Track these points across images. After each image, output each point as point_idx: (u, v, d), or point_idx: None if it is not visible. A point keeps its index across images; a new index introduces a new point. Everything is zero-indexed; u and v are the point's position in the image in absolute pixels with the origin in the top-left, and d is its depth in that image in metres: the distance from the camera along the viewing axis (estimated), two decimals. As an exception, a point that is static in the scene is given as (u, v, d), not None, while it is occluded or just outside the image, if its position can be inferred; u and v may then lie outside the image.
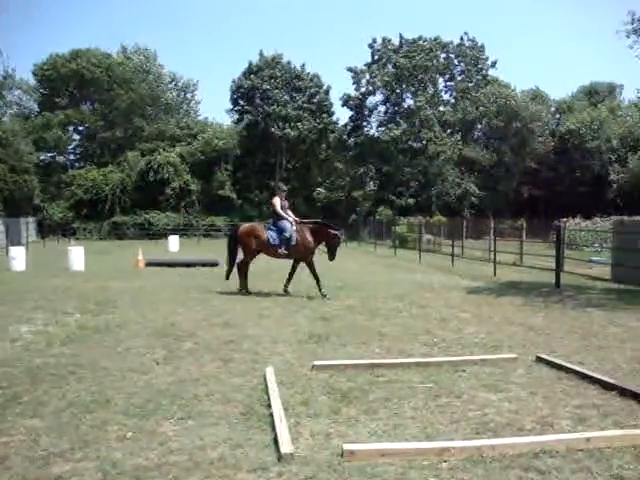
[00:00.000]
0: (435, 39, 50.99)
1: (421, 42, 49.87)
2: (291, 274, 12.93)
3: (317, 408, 5.09)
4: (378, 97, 51.14)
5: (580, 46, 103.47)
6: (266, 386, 5.58)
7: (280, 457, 4.02)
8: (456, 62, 52.36)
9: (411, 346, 7.68)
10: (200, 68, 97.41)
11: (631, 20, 15.92)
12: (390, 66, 49.54)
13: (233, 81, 51.80)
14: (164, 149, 48.37)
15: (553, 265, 15.70)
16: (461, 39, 52.04)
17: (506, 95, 48.44)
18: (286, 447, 4.07)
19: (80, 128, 56.13)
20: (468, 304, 11.59)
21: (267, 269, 15.94)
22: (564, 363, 6.56)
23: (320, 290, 12.36)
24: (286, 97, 49.61)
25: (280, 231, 12.62)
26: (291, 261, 13.05)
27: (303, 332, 8.44)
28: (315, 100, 51.83)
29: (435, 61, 50.08)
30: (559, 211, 37.24)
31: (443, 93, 53.69)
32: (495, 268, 17.99)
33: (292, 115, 48.86)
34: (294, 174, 53.30)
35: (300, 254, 12.76)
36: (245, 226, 13.51)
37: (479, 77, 51.61)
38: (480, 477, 3.77)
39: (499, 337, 8.33)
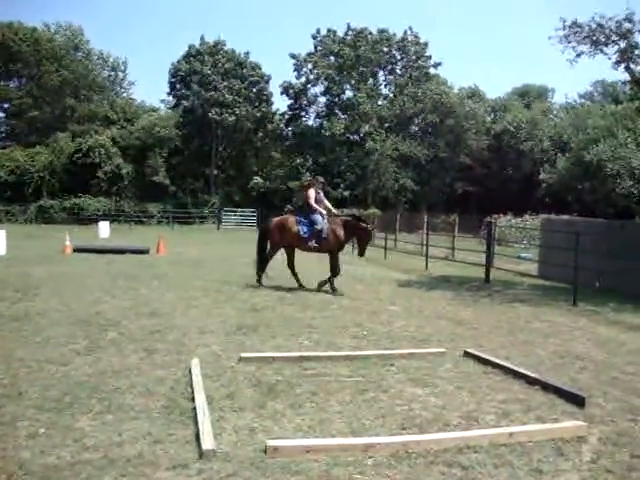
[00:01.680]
0: (381, 31, 51.15)
1: (367, 33, 49.97)
2: (333, 269, 12.31)
3: (242, 402, 4.96)
4: (319, 88, 51.11)
5: (516, 48, 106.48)
6: (190, 379, 5.42)
7: (201, 454, 3.87)
8: (398, 57, 52.60)
9: (341, 339, 7.63)
10: (138, 52, 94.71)
11: (562, 27, 16.32)
12: (333, 57, 49.44)
13: (172, 64, 50.63)
14: (96, 131, 46.74)
15: (483, 260, 16.02)
16: (405, 33, 52.34)
17: (442, 92, 49.19)
18: (208, 443, 3.93)
19: (6, 105, 53.49)
20: (399, 297, 11.68)
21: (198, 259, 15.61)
22: (491, 358, 6.65)
23: (332, 285, 12.00)
24: (225, 83, 48.73)
25: (311, 223, 12.22)
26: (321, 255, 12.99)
27: (231, 323, 8.27)
28: (255, 89, 51.20)
29: (379, 54, 50.29)
30: (491, 208, 38.10)
31: (383, 87, 54.00)
32: (427, 262, 18.23)
33: (230, 101, 48.03)
34: (230, 162, 52.57)
35: (330, 247, 12.36)
36: (276, 219, 12.96)
37: (419, 73, 52.07)
38: (404, 473, 3.73)
39: (428, 331, 8.39)
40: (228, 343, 7.09)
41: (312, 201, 12.32)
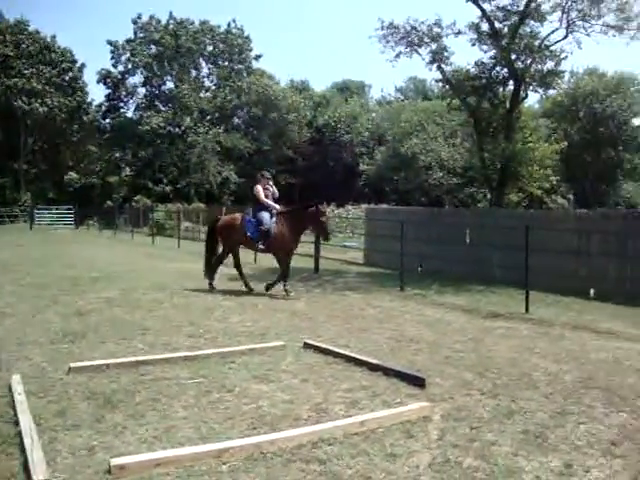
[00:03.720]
0: (204, 22, 50.12)
1: (189, 24, 48.70)
2: (284, 270, 11.53)
3: (76, 418, 4.47)
4: (138, 78, 49.03)
5: (340, 45, 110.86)
6: (12, 398, 4.79)
7: (33, 486, 3.37)
8: (221, 48, 51.92)
9: (176, 339, 7.29)
10: None
11: (381, 27, 17.10)
12: (153, 46, 47.58)
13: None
14: None
15: (311, 251, 16.29)
16: (228, 26, 51.82)
17: (265, 85, 49.54)
18: (39, 473, 3.38)
19: None
20: (231, 292, 11.50)
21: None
22: (331, 347, 6.71)
23: (284, 286, 11.29)
24: (33, 70, 44.62)
25: (258, 223, 11.28)
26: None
27: (56, 330, 7.53)
28: (67, 77, 47.62)
29: (201, 45, 49.31)
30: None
31: (206, 79, 53.12)
32: (256, 254, 18.16)
33: (39, 90, 44.06)
34: (42, 156, 48.59)
35: (278, 248, 11.49)
36: (224, 218, 12.15)
37: (242, 66, 51.91)
38: (262, 476, 3.58)
39: (265, 325, 8.32)
40: (54, 353, 6.41)
41: (262, 196, 11.46)
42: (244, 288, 11.62)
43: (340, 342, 7.21)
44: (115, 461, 3.56)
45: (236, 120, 53.11)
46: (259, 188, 11.55)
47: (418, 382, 5.43)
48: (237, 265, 12.06)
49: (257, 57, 53.16)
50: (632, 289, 11.31)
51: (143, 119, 45.85)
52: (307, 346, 6.92)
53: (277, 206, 11.57)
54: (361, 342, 7.31)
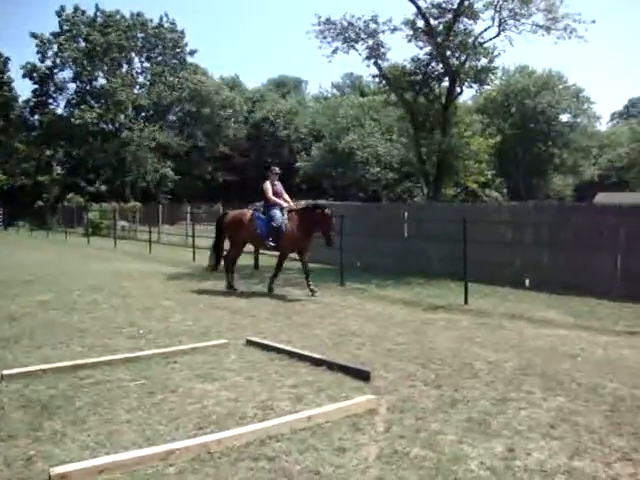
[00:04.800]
0: (137, 15, 48.87)
1: (119, 17, 47.40)
2: (278, 268, 11.45)
3: (11, 427, 4.26)
4: (67, 73, 47.49)
5: (275, 41, 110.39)
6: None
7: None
8: (154, 43, 50.82)
9: (116, 341, 7.11)
10: None
11: (318, 22, 17.12)
12: (82, 40, 46.12)
13: None
14: None
15: (251, 248, 16.14)
16: (160, 20, 50.81)
17: (199, 81, 48.90)
18: None
19: None
20: (171, 291, 11.33)
21: None
22: (273, 344, 6.68)
23: (309, 285, 10.98)
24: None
25: (269, 220, 10.86)
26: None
27: (-14, 336, 7.24)
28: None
29: (133, 39, 48.10)
30: (252, 196, 38.79)
31: (138, 74, 51.94)
32: (194, 253, 17.97)
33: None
34: (-37, 155, 46.62)
35: (287, 246, 11.16)
36: (233, 214, 11.65)
37: (176, 61, 51.01)
38: (211, 476, 3.52)
39: (207, 323, 8.22)
40: (-16, 360, 6.16)
41: (270, 194, 11.13)
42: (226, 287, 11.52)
43: (283, 338, 7.19)
44: (55, 470, 3.41)
45: (171, 117, 52.22)
46: (268, 185, 11.22)
47: (363, 375, 5.45)
48: (232, 260, 11.83)
49: (192, 52, 52.41)
50: (565, 278, 11.69)
51: (74, 115, 44.47)
52: (250, 343, 6.86)
53: (284, 203, 11.23)
54: (304, 337, 7.31)
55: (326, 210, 10.98)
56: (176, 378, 5.53)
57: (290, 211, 11.19)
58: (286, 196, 11.44)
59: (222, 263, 12.08)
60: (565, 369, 5.96)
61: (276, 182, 11.37)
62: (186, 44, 52.01)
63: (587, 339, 7.48)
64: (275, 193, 11.21)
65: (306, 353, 6.20)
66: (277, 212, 10.94)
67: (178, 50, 51.47)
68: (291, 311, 9.23)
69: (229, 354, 6.45)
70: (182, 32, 51.58)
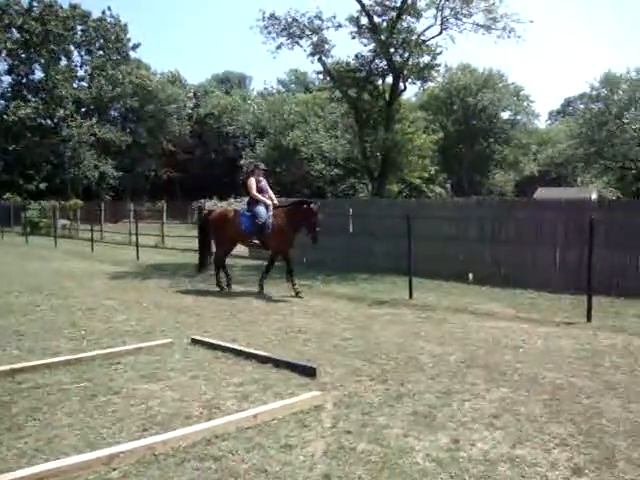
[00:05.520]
0: (73, 7, 47.42)
1: (57, 8, 45.92)
2: (268, 267, 11.01)
3: (-57, 435, 4.12)
4: (1, 65, 45.86)
5: (219, 36, 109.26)
6: None
7: None
8: (94, 36, 49.42)
9: (56, 343, 6.91)
10: None
11: (262, 18, 17.02)
12: (15, 31, 44.49)
13: None
14: None
15: (195, 246, 15.97)
16: (103, 13, 49.50)
17: (142, 76, 47.94)
18: None
19: None
20: (114, 291, 11.10)
21: None
22: (219, 342, 6.63)
23: (294, 286, 10.61)
24: None
25: (253, 217, 10.49)
26: None
27: None
28: None
29: (72, 31, 46.69)
30: (197, 192, 38.50)
31: (77, 67, 50.49)
32: (138, 252, 17.64)
33: None
34: None
35: (276, 244, 10.78)
36: (217, 211, 11.34)
37: (119, 56, 49.80)
38: (156, 478, 3.46)
39: (151, 323, 8.09)
40: None
41: (254, 191, 10.80)
42: (217, 288, 11.26)
43: (228, 336, 7.14)
44: (-9, 478, 3.30)
45: (113, 112, 51.03)
46: (252, 181, 10.92)
47: (309, 372, 5.46)
48: (220, 259, 11.54)
49: (135, 47, 51.27)
50: (507, 272, 11.98)
51: (9, 110, 42.93)
52: (195, 342, 6.79)
53: (268, 201, 10.92)
54: (250, 335, 7.27)
55: (312, 205, 10.75)
56: (119, 379, 5.42)
57: (276, 207, 11.00)
58: (271, 193, 11.22)
59: (211, 262, 12.03)
60: (507, 360, 6.11)
61: (261, 178, 11.11)
62: (129, 39, 50.91)
63: (528, 330, 7.68)
64: (260, 190, 10.95)
65: (252, 351, 6.18)
66: (261, 209, 10.70)
67: (120, 44, 50.26)
68: (236, 309, 9.17)
69: (174, 354, 6.36)
70: (125, 26, 50.47)
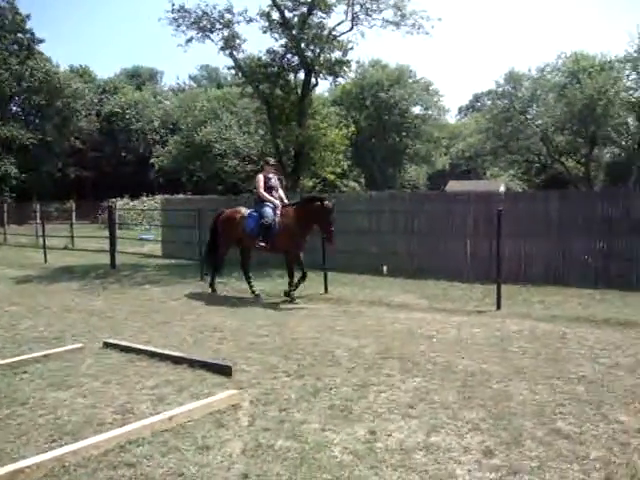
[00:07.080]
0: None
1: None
2: (290, 274, 9.96)
3: None
4: None
5: (131, 29, 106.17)
6: None
7: None
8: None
9: (-45, 353, 6.53)
10: None
11: (172, 10, 16.62)
12: None
13: None
14: None
15: (106, 246, 15.54)
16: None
17: (47, 70, 45.78)
18: None
19: None
20: (20, 296, 10.61)
21: None
22: (132, 345, 6.46)
23: (290, 291, 9.79)
24: None
25: (259, 217, 9.66)
26: None
27: None
28: None
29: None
30: (107, 191, 37.43)
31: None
32: (46, 254, 16.94)
33: None
34: None
35: (285, 245, 9.83)
36: (226, 212, 10.45)
37: (19, 49, 47.12)
38: (65, 491, 3.33)
39: (60, 327, 7.77)
40: None
41: (261, 190, 9.98)
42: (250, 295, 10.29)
43: (142, 338, 6.98)
44: None
45: (14, 108, 48.48)
46: (260, 178, 10.13)
47: (225, 371, 5.42)
48: (243, 265, 10.71)
49: (40, 41, 48.57)
50: (419, 264, 12.29)
51: None
52: (107, 345, 6.58)
53: (277, 201, 10.05)
54: (164, 336, 7.14)
55: (326, 202, 9.69)
56: (26, 389, 5.18)
57: (285, 205, 10.17)
58: (281, 192, 10.45)
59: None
60: (421, 350, 6.27)
61: (271, 175, 10.26)
62: (32, 31, 48.24)
63: (441, 320, 7.92)
64: (270, 188, 10.13)
65: (166, 352, 6.06)
66: (268, 209, 9.84)
67: (20, 36, 47.48)
68: (150, 310, 8.96)
69: (85, 359, 6.14)
70: (27, 17, 47.63)
